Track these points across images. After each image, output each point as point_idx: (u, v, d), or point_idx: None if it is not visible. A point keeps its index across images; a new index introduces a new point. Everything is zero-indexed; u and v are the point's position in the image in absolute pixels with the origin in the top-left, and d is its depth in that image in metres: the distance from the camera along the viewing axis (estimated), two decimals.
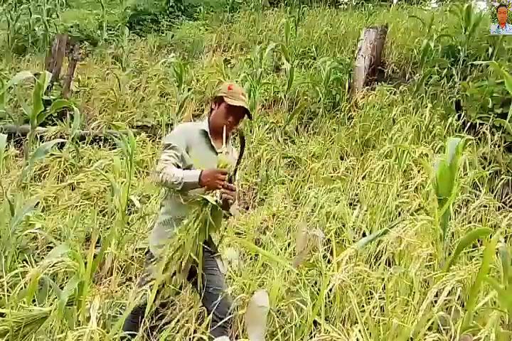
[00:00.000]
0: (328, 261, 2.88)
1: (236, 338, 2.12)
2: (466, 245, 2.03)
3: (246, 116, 2.35)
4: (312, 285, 2.68)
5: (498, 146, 4.26)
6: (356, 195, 4.06)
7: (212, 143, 2.27)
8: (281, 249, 3.13)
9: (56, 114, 5.71)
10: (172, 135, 2.29)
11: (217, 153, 2.25)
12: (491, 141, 4.26)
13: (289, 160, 5.08)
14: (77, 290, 1.64)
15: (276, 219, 3.76)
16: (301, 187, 4.40)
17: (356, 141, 5.13)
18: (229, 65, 7.78)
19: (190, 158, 2.17)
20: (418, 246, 2.26)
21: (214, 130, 2.28)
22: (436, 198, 2.06)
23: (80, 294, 1.64)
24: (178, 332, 2.21)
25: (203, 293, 2.17)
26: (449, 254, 2.03)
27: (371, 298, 2.21)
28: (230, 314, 2.13)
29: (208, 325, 2.07)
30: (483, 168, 4.07)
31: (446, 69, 6.04)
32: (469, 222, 3.26)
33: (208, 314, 2.16)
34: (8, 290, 2.25)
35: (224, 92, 2.30)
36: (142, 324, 1.91)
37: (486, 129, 4.38)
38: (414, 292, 2.05)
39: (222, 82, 7.06)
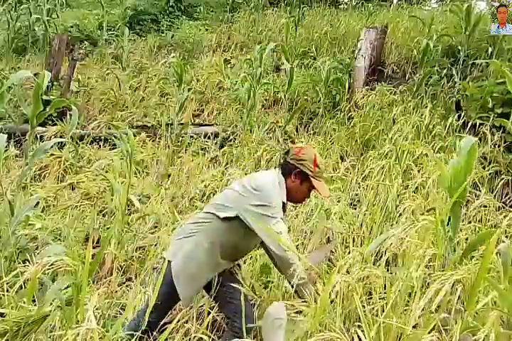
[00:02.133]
0: (329, 261, 2.88)
1: None
2: (475, 247, 2.01)
3: None
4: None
5: (498, 146, 4.26)
6: (356, 195, 4.06)
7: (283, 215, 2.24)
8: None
9: (56, 114, 5.71)
10: (278, 203, 2.13)
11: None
12: (491, 141, 4.26)
13: None
14: (75, 290, 1.64)
15: None
16: None
17: (356, 141, 5.13)
18: (229, 65, 7.78)
19: None
20: (420, 246, 2.26)
21: (290, 200, 2.26)
22: (449, 198, 2.03)
23: (78, 294, 1.63)
24: (178, 332, 2.20)
25: (223, 301, 2.18)
26: (449, 254, 2.02)
27: (371, 298, 2.21)
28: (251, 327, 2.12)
29: (207, 325, 2.06)
30: (483, 168, 4.07)
31: (446, 69, 6.04)
32: (469, 222, 3.25)
33: (227, 321, 2.17)
34: (7, 290, 2.25)
35: (310, 170, 2.19)
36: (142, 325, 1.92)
37: (486, 129, 4.38)
38: (415, 292, 2.05)
39: (222, 81, 7.05)
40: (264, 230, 2.02)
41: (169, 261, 2.19)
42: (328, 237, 2.90)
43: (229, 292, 2.15)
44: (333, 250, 2.89)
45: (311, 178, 2.17)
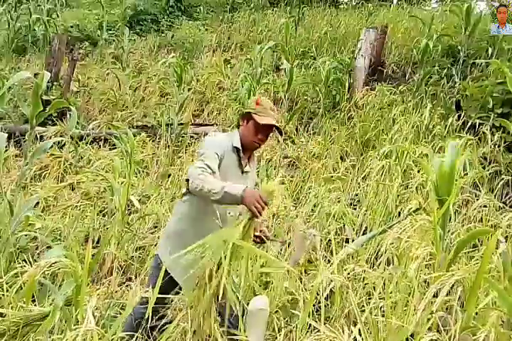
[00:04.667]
0: (329, 261, 2.88)
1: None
2: (465, 245, 2.03)
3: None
4: (312, 286, 2.68)
5: (498, 146, 4.26)
6: (356, 195, 4.06)
7: (242, 161, 2.24)
8: (281, 249, 3.13)
9: (56, 114, 5.71)
10: (211, 144, 2.20)
11: (243, 172, 2.24)
12: (491, 141, 4.26)
13: (289, 160, 5.08)
14: (74, 290, 1.64)
15: (276, 219, 3.76)
16: (301, 187, 4.40)
17: (356, 141, 5.12)
18: (229, 65, 7.79)
19: (219, 171, 2.12)
20: (418, 246, 2.26)
21: (243, 147, 2.25)
22: (436, 198, 2.05)
23: (77, 294, 1.63)
24: (177, 333, 2.20)
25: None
26: (449, 254, 2.02)
27: (371, 298, 2.21)
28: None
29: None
30: (483, 168, 4.07)
31: (446, 69, 6.05)
32: (469, 222, 3.25)
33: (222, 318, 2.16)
34: (7, 291, 2.25)
35: (252, 108, 2.25)
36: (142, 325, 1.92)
37: (486, 129, 4.38)
38: (413, 292, 2.04)
39: (222, 81, 7.07)
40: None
41: (156, 254, 2.28)
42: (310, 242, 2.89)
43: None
44: (313, 249, 2.88)
45: (254, 115, 2.21)
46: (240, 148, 2.22)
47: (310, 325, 2.13)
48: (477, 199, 3.42)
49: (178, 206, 2.36)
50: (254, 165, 2.39)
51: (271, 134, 2.36)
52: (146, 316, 1.84)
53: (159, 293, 2.03)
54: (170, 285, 2.20)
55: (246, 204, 1.86)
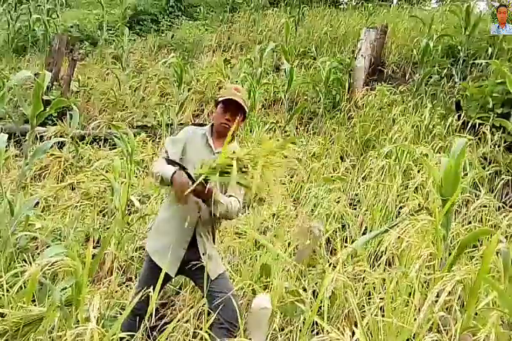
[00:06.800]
0: (329, 263, 2.88)
1: (235, 337, 2.11)
2: (467, 245, 2.02)
3: (246, 113, 2.35)
4: (313, 285, 2.68)
5: (498, 146, 4.26)
6: (356, 195, 4.06)
7: (210, 142, 2.27)
8: (281, 249, 3.12)
9: (56, 114, 5.71)
10: (170, 138, 2.36)
11: (214, 153, 2.23)
12: (491, 141, 4.26)
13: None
14: (75, 290, 1.64)
15: (276, 219, 3.76)
16: (301, 187, 4.40)
17: (356, 141, 5.12)
18: (229, 65, 7.79)
19: (186, 156, 2.23)
20: (418, 246, 2.26)
21: (216, 131, 2.30)
22: (440, 198, 2.05)
23: (78, 294, 1.63)
24: (177, 332, 2.20)
25: (207, 296, 2.16)
26: (449, 254, 2.02)
27: (371, 298, 2.21)
28: (238, 319, 2.10)
29: (210, 324, 2.05)
30: (483, 168, 4.07)
31: (446, 69, 6.05)
32: (469, 222, 3.25)
33: (209, 314, 2.14)
34: (7, 290, 2.24)
35: (218, 96, 2.38)
36: (142, 324, 1.91)
37: (486, 129, 4.38)
38: (414, 292, 2.04)
39: (222, 81, 7.08)
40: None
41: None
42: (314, 234, 2.89)
43: (211, 287, 2.13)
44: (318, 246, 2.88)
45: (219, 99, 2.31)
46: (209, 132, 2.32)
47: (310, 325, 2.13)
48: (477, 199, 3.42)
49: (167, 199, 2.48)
50: (236, 146, 2.38)
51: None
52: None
53: (146, 284, 2.04)
54: (158, 275, 2.18)
55: (174, 188, 2.04)
